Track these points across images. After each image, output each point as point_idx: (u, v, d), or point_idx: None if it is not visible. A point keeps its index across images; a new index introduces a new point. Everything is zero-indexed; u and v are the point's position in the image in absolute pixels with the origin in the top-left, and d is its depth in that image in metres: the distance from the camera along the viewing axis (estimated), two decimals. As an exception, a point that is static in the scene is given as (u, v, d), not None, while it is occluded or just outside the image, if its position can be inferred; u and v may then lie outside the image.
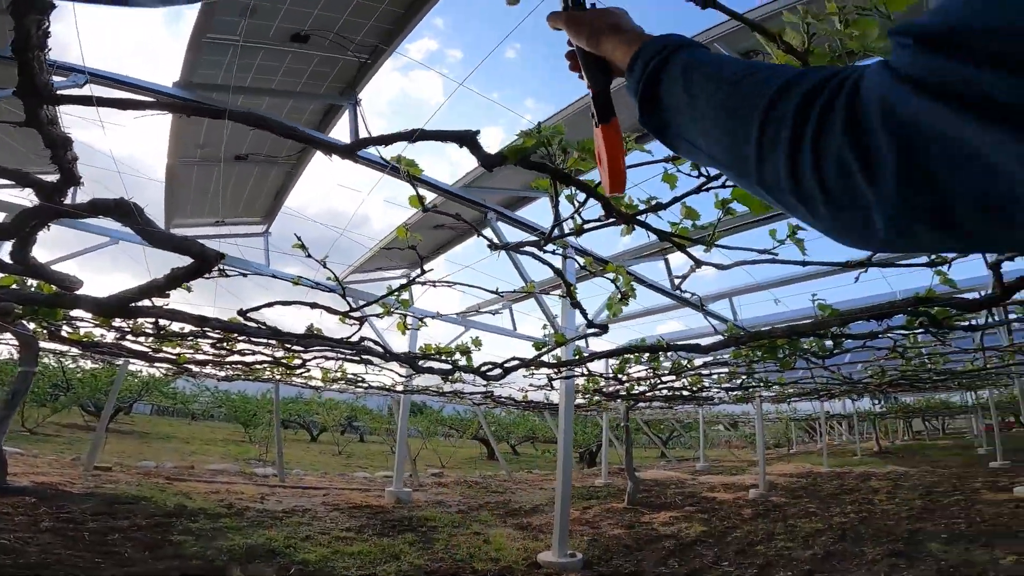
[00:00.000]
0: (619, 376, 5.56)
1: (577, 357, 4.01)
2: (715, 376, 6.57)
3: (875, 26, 0.96)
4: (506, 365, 3.59)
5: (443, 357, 4.22)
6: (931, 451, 18.19)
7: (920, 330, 3.37)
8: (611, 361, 5.89)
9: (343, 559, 4.86)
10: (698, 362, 5.78)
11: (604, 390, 6.84)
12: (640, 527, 6.78)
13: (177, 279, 2.36)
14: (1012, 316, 3.82)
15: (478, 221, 5.17)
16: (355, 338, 3.43)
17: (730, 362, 4.82)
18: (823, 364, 5.08)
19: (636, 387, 6.60)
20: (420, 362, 4.16)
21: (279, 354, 4.93)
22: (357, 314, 3.20)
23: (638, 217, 1.83)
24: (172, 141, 4.05)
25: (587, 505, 8.67)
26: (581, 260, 3.05)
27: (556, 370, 4.66)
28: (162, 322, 3.83)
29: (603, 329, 3.08)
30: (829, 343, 3.74)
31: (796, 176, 0.35)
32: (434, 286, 2.98)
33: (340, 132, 4.03)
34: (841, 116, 0.32)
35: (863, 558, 4.66)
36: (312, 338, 3.33)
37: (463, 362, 4.30)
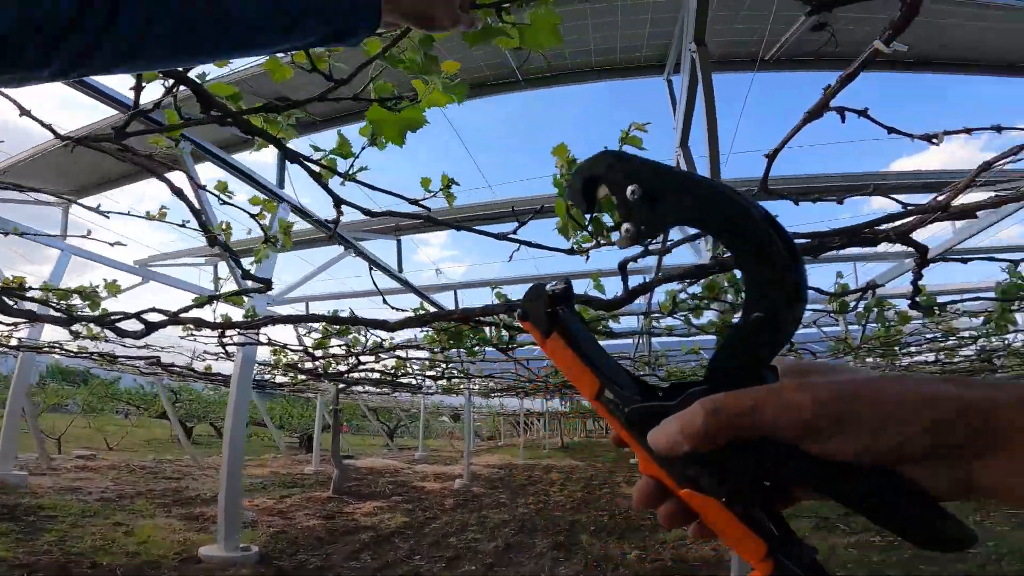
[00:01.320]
0: (313, 352, 4.99)
1: (249, 318, 3.27)
2: (418, 362, 6.60)
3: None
4: (146, 317, 2.57)
5: (50, 298, 2.94)
6: (596, 447, 22.69)
7: None
8: (309, 336, 5.25)
9: None
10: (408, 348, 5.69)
11: (301, 366, 6.10)
12: (340, 518, 6.34)
13: None
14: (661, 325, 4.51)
15: (172, 153, 4.02)
16: None
17: (424, 346, 4.88)
18: (512, 356, 5.59)
19: (334, 366, 6.04)
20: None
21: None
22: None
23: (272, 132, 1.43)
24: None
25: (286, 494, 7.84)
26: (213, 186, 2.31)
27: (221, 333, 3.84)
28: None
29: (265, 284, 2.53)
30: (506, 335, 3.93)
31: None
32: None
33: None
34: None
35: (534, 550, 5.13)
36: None
37: (87, 310, 3.10)
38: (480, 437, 31.80)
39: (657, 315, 3.55)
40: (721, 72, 4.22)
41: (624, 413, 0.33)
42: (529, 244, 1.88)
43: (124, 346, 6.54)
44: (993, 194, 1.57)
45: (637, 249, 2.04)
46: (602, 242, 1.78)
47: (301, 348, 4.85)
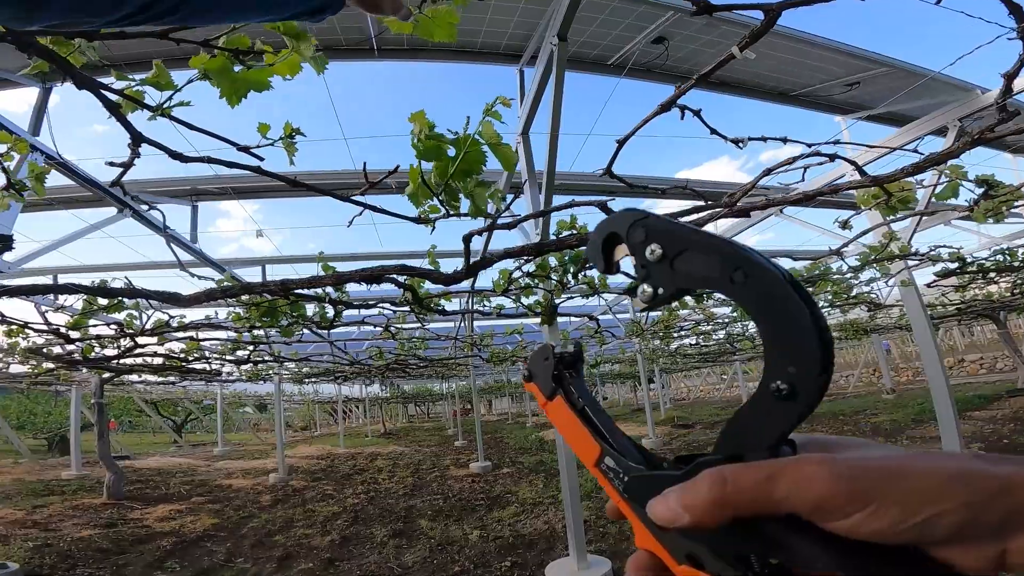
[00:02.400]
0: (67, 334, 4.09)
1: None
2: (217, 344, 5.85)
3: None
4: None
5: None
6: (419, 431, 22.91)
7: (407, 308, 3.89)
8: (59, 313, 4.24)
9: None
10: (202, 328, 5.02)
11: (48, 352, 4.93)
12: (126, 525, 5.42)
13: None
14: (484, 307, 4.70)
15: None
16: None
17: (226, 324, 4.45)
18: (327, 337, 5.29)
19: (99, 350, 4.97)
20: None
21: None
22: None
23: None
24: None
25: (41, 503, 6.41)
26: None
27: None
28: None
29: (2, 241, 2.18)
30: (331, 312, 3.79)
31: None
32: None
33: None
34: None
35: (374, 540, 4.98)
36: None
37: None
38: (292, 427, 29.42)
39: (490, 293, 3.75)
40: (572, 70, 4.61)
41: (623, 481, 0.32)
42: (373, 209, 1.84)
43: None
44: (763, 198, 2.08)
45: (481, 222, 1.99)
46: (451, 213, 1.75)
47: (50, 328, 3.83)
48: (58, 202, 6.13)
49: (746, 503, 0.26)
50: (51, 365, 6.51)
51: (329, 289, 3.48)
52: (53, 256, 5.77)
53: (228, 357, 6.70)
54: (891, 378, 16.21)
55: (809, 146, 2.00)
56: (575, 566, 3.73)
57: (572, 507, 3.78)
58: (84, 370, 7.24)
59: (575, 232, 2.75)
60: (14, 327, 4.09)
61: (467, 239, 2.19)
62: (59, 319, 4.16)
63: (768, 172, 2.34)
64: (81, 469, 9.68)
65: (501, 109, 1.51)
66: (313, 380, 12.94)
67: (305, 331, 5.09)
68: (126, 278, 3.57)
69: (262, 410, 29.88)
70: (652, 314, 7.19)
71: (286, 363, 8.48)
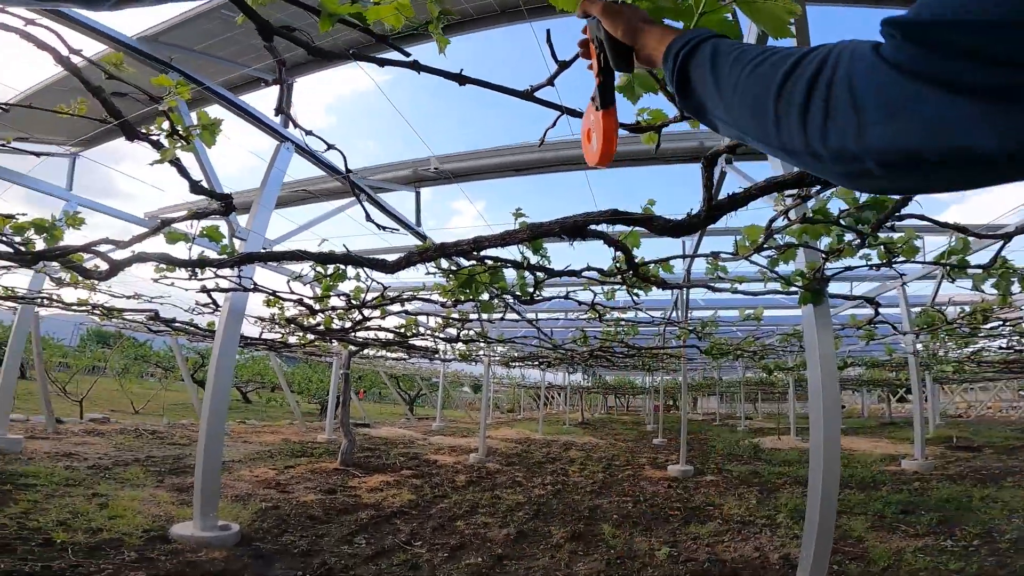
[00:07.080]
0: (311, 305, 4.46)
1: (227, 255, 2.75)
2: (431, 321, 6.05)
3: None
4: (101, 249, 2.10)
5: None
6: (617, 424, 22.17)
7: (617, 277, 3.22)
8: (305, 285, 4.73)
9: None
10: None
11: (304, 323, 5.55)
12: (342, 493, 5.91)
13: None
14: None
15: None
16: None
17: (431, 297, 4.40)
18: (535, 320, 4.88)
19: (336, 321, 5.55)
20: None
21: None
22: None
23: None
24: None
25: (292, 464, 7.51)
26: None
27: (192, 274, 3.40)
28: None
29: (223, 200, 2.05)
30: (529, 278, 3.56)
31: (807, 140, 0.44)
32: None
33: None
34: (842, 95, 0.41)
35: (550, 540, 4.51)
36: None
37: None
38: (500, 409, 31.60)
39: (731, 258, 2.67)
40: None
41: None
42: (561, 109, 1.25)
43: (127, 298, 6.26)
44: None
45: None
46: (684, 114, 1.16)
47: (294, 297, 4.33)
48: (310, 196, 7.22)
49: (591, 11, 0.73)
50: (311, 337, 7.73)
51: (529, 254, 3.16)
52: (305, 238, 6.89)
53: (440, 335, 7.03)
54: None
55: None
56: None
57: (818, 537, 2.66)
58: (334, 342, 8.43)
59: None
60: (267, 295, 4.70)
61: (708, 161, 1.46)
62: (303, 292, 4.71)
63: None
64: (332, 434, 11.45)
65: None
66: (519, 364, 13.31)
67: (510, 317, 4.95)
68: (344, 246, 3.69)
69: (476, 390, 32.76)
70: (955, 307, 4.97)
71: (493, 344, 8.69)
